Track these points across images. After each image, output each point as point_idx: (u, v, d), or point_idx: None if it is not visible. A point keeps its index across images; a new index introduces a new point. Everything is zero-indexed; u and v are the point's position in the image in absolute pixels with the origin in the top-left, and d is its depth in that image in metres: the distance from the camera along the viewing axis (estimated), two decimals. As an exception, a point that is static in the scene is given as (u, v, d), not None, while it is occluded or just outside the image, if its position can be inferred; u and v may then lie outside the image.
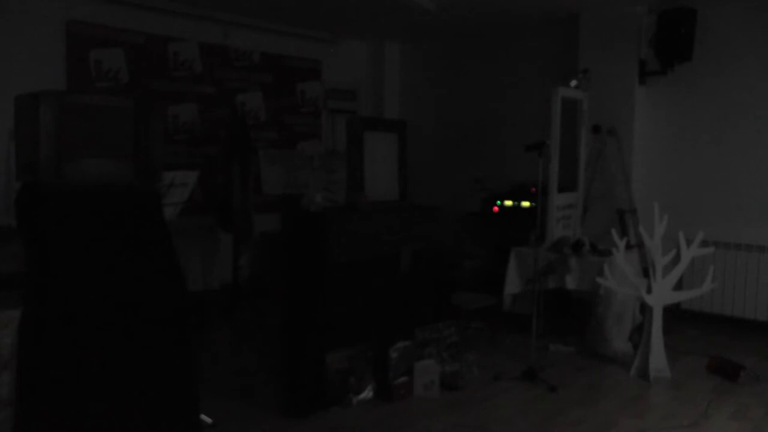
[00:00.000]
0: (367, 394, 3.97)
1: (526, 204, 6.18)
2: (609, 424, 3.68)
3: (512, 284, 5.27)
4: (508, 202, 6.34)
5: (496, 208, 6.41)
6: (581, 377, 4.44)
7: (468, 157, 7.17)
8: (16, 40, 5.17)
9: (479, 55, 7.21)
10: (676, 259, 4.48)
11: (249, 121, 6.52)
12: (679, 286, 4.69)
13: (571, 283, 5.04)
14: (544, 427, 3.65)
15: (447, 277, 4.91)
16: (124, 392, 2.76)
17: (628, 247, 4.83)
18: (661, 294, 4.44)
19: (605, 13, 5.90)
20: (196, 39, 6.27)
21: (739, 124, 5.54)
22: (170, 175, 3.59)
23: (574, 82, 5.59)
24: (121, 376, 2.75)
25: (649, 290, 4.44)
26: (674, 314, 5.33)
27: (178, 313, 2.98)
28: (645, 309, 4.54)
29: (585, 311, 5.08)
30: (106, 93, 5.53)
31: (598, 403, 4.01)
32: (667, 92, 5.86)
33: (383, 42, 7.71)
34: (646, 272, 4.92)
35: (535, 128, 5.87)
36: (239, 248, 5.88)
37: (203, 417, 3.40)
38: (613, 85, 5.87)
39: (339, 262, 3.87)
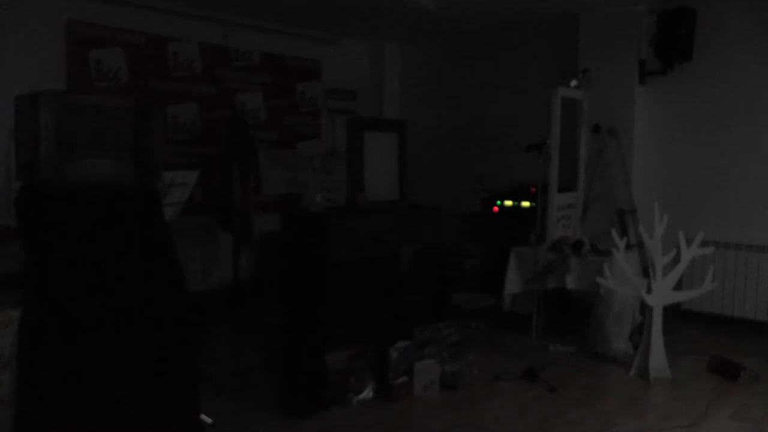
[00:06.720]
0: (367, 394, 3.97)
1: (526, 204, 6.18)
2: (609, 424, 3.68)
3: (512, 284, 5.27)
4: (508, 202, 6.34)
5: (496, 208, 6.41)
6: (581, 377, 4.44)
7: (468, 157, 7.17)
8: (16, 40, 5.17)
9: (479, 55, 7.21)
10: (676, 259, 4.48)
11: (249, 121, 6.52)
12: (679, 286, 4.68)
13: (571, 283, 5.05)
14: (544, 427, 3.65)
15: (447, 277, 4.91)
16: (124, 392, 2.76)
17: (628, 247, 4.83)
18: (661, 294, 4.44)
19: (605, 13, 5.89)
20: (196, 39, 6.26)
21: (739, 124, 5.53)
22: (170, 175, 3.58)
23: (574, 82, 5.59)
24: (121, 376, 2.75)
25: (649, 290, 4.44)
26: (674, 314, 5.33)
27: (178, 313, 2.98)
28: (645, 309, 4.54)
29: (585, 311, 5.08)
30: (106, 93, 5.52)
31: (598, 403, 4.01)
32: (667, 92, 5.86)
33: (383, 42, 7.71)
34: (646, 272, 4.92)
35: (535, 128, 5.86)
36: (239, 248, 5.88)
37: (203, 417, 3.40)
38: (613, 85, 5.87)
39: (339, 262, 3.87)
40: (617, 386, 4.31)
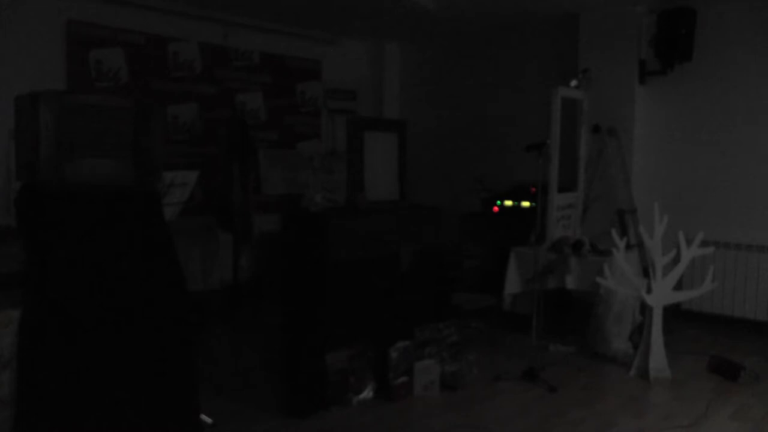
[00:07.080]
0: (367, 394, 3.97)
1: (526, 204, 6.18)
2: (609, 424, 3.68)
3: (512, 284, 5.27)
4: (508, 202, 6.34)
5: (496, 208, 6.41)
6: (581, 377, 4.44)
7: (468, 157, 7.17)
8: (16, 40, 5.17)
9: (479, 55, 7.21)
10: (676, 259, 4.48)
11: (249, 121, 6.52)
12: (679, 286, 4.68)
13: (571, 283, 5.05)
14: (544, 427, 3.65)
15: (447, 277, 4.91)
16: (124, 392, 2.76)
17: (628, 247, 4.83)
18: (661, 294, 4.44)
19: (605, 13, 5.89)
20: (196, 39, 6.26)
21: (739, 124, 5.53)
22: (170, 175, 3.59)
23: (574, 82, 5.60)
24: (121, 376, 2.75)
25: (649, 290, 4.44)
26: (674, 314, 5.33)
27: (178, 313, 2.98)
28: (645, 309, 4.54)
29: (585, 311, 5.08)
30: (106, 93, 5.52)
31: (598, 403, 4.01)
32: (667, 92, 5.86)
33: (383, 42, 7.71)
34: (646, 272, 4.92)
35: (535, 128, 5.86)
36: (239, 248, 5.88)
37: (203, 417, 3.40)
38: (613, 85, 5.87)
39: (339, 262, 3.87)
40: (617, 386, 4.31)
